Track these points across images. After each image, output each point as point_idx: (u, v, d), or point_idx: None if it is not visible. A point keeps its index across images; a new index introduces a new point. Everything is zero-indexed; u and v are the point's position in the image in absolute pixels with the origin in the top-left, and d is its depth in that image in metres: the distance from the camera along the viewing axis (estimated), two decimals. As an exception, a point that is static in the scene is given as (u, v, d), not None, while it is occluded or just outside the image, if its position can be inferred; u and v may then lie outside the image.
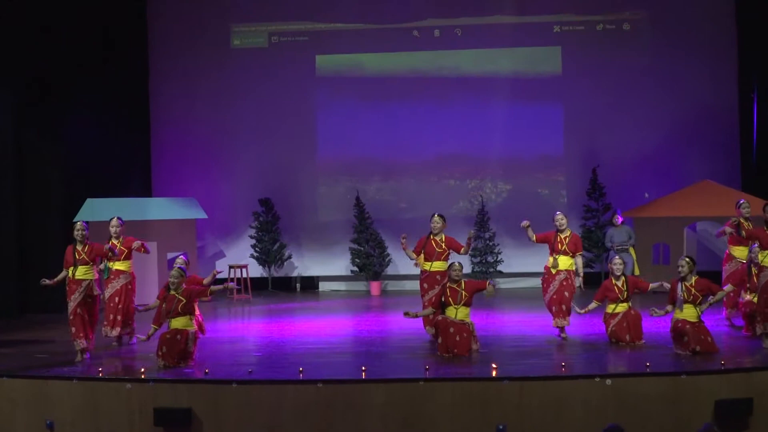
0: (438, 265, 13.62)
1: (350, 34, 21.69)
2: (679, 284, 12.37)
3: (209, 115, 21.71)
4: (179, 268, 12.42)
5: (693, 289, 12.30)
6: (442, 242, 13.80)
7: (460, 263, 12.92)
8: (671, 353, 12.14)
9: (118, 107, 20.29)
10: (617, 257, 13.56)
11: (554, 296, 13.78)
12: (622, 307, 13.12)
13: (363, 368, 11.04)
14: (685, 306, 12.27)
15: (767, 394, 10.57)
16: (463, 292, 12.61)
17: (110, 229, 14.01)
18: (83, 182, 18.94)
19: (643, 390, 10.52)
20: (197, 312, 12.82)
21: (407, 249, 13.86)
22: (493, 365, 11.03)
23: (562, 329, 13.77)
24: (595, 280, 19.23)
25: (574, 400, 10.49)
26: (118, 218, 14.12)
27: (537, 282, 20.11)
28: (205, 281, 13.50)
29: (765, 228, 12.72)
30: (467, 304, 12.64)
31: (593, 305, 13.34)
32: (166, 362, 11.78)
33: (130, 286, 14.05)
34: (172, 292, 12.18)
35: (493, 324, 15.72)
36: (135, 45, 21.27)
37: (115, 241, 13.88)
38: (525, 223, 14.11)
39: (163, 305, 12.17)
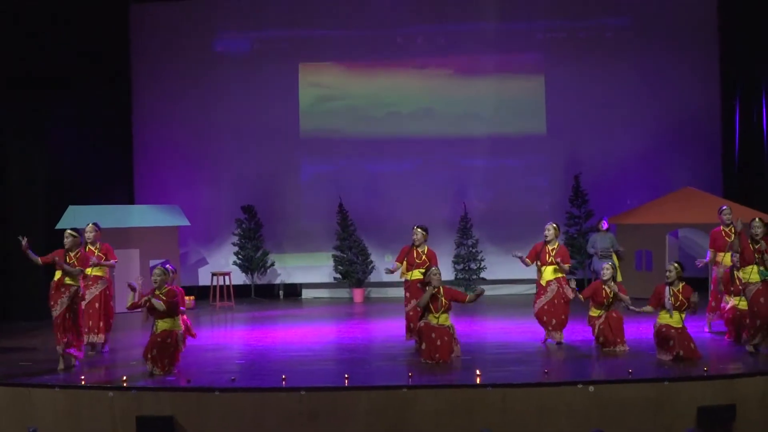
0: (417, 274, 13.67)
1: (333, 41, 21.67)
2: (667, 289, 12.40)
3: (192, 121, 21.66)
4: (161, 266, 12.33)
5: (680, 295, 12.33)
6: (423, 254, 13.88)
7: (437, 268, 12.94)
8: (654, 360, 12.17)
9: (100, 114, 20.22)
10: (607, 263, 13.61)
11: (545, 307, 13.79)
12: (604, 311, 13.19)
13: (346, 375, 11.04)
14: (674, 312, 12.33)
15: (750, 401, 10.62)
16: (443, 299, 12.64)
17: (85, 235, 13.90)
18: (66, 189, 18.87)
19: (626, 396, 10.55)
20: (184, 316, 12.76)
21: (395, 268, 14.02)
22: (477, 372, 11.08)
23: (547, 338, 13.84)
24: (577, 287, 19.27)
25: (557, 406, 10.50)
26: (94, 224, 14.02)
27: (520, 289, 20.35)
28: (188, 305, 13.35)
29: (748, 241, 12.75)
30: (447, 311, 12.69)
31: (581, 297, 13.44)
32: (155, 366, 11.75)
33: (108, 292, 14.02)
34: (157, 292, 12.12)
35: (476, 331, 15.74)
36: (117, 52, 21.17)
37: (91, 247, 13.81)
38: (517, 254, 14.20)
39: (149, 299, 12.06)
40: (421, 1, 21.63)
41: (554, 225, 14.11)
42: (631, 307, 12.90)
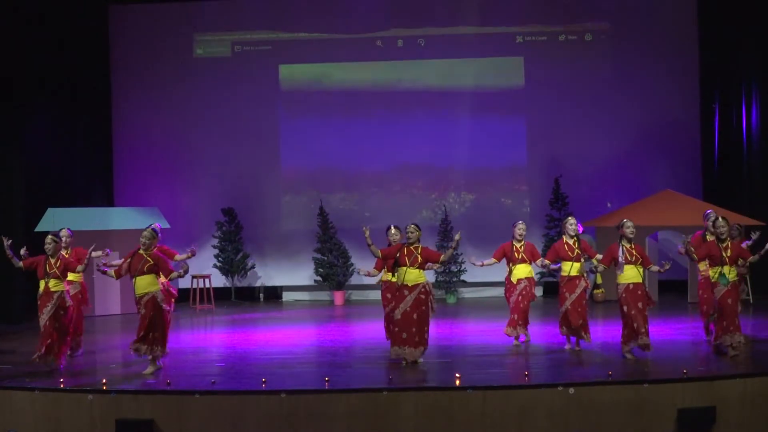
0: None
1: (313, 44, 21.67)
2: (620, 247, 12.56)
3: (172, 124, 21.63)
4: (152, 228, 12.45)
5: (634, 252, 12.58)
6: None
7: (414, 225, 12.83)
8: (634, 362, 12.18)
9: (80, 117, 20.20)
10: (571, 217, 13.70)
11: (515, 305, 13.83)
12: (576, 269, 13.29)
13: (326, 378, 11.01)
14: (626, 267, 12.50)
15: (730, 403, 10.64)
16: (419, 256, 12.55)
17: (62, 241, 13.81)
18: (45, 192, 18.82)
19: (606, 398, 10.56)
20: (166, 281, 12.63)
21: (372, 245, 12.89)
22: (457, 374, 11.05)
23: (517, 337, 13.86)
24: (556, 290, 19.30)
25: (537, 408, 10.51)
26: (68, 229, 13.97)
27: (500, 291, 20.22)
28: (177, 257, 13.37)
29: (716, 242, 12.69)
30: (420, 268, 12.56)
31: (547, 262, 13.63)
32: (158, 347, 12.07)
33: (81, 296, 13.92)
34: (141, 252, 12.19)
35: (456, 333, 15.76)
36: (97, 54, 21.13)
37: (64, 252, 13.71)
38: (475, 261, 14.35)
39: (129, 260, 12.20)
40: (401, 5, 21.65)
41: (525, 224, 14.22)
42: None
